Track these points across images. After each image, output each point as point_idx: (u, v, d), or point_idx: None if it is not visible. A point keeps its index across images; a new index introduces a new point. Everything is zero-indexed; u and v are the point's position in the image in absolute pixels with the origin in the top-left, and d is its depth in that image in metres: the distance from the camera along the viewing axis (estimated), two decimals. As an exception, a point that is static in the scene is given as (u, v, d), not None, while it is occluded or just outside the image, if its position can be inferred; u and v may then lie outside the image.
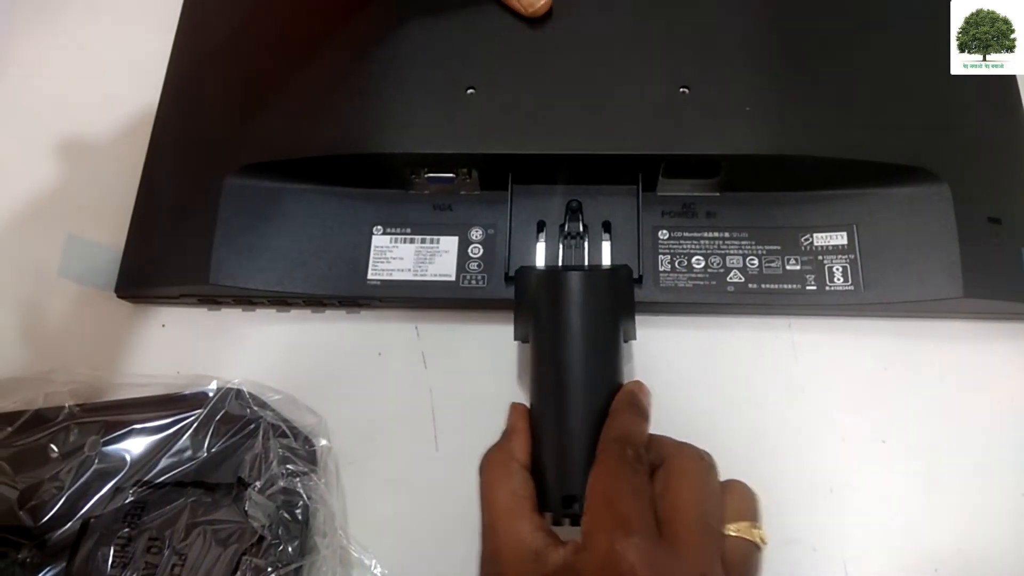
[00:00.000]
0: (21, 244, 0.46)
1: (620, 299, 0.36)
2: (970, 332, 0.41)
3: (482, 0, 0.43)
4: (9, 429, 0.38)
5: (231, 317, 0.44)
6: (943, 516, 0.38)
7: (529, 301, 0.36)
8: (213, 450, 0.38)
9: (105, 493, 0.36)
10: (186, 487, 0.37)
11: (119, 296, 0.43)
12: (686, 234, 0.41)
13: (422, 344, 0.42)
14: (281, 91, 0.44)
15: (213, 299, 0.43)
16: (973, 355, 0.41)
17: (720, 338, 0.41)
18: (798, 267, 0.40)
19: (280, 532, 0.36)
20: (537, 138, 0.40)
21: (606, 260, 0.41)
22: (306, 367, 0.42)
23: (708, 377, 0.41)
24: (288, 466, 0.37)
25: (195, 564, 0.34)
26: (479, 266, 0.41)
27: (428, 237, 0.42)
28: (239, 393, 0.39)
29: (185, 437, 0.38)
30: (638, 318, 0.36)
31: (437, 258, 0.41)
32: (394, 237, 0.42)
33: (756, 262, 0.40)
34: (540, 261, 0.41)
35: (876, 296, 0.39)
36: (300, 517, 0.36)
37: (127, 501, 0.36)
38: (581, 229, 0.41)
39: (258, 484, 0.36)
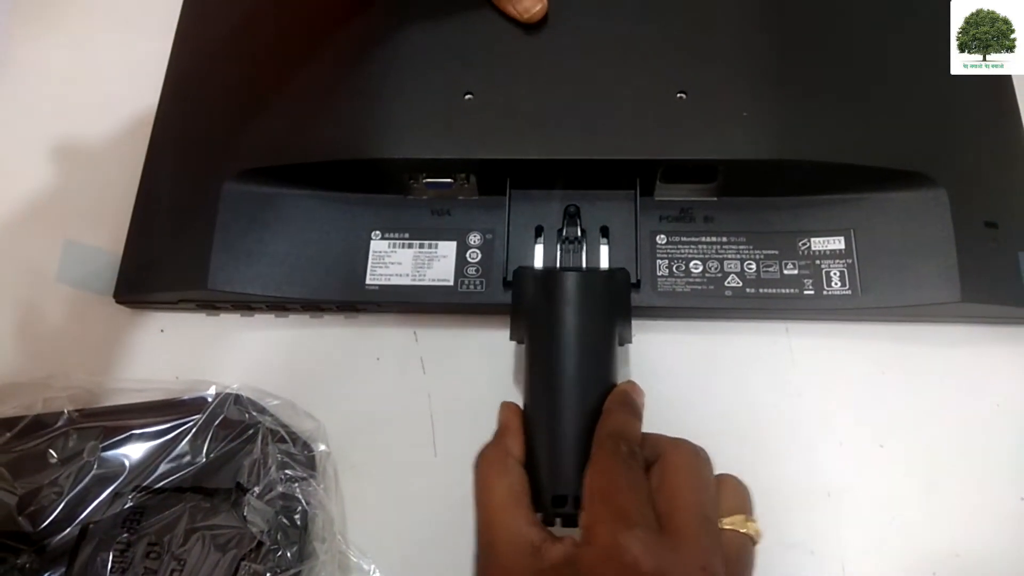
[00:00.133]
0: (19, 248, 0.46)
1: (616, 301, 0.36)
2: (967, 336, 0.41)
3: (479, 6, 0.44)
4: (8, 434, 0.38)
5: (230, 322, 0.44)
6: (941, 520, 0.38)
7: (526, 302, 0.36)
8: (212, 455, 0.38)
9: (104, 498, 0.37)
10: (185, 492, 0.37)
11: (117, 301, 0.43)
12: (684, 239, 0.41)
13: (420, 349, 0.42)
14: (280, 96, 0.44)
15: (212, 304, 0.43)
16: (970, 359, 0.41)
17: (718, 343, 0.41)
18: (796, 271, 0.40)
19: (279, 537, 0.36)
20: (535, 143, 0.40)
21: (604, 265, 0.41)
22: (305, 372, 0.42)
23: (706, 381, 0.41)
24: (287, 471, 0.37)
25: (194, 569, 0.34)
26: (477, 271, 0.41)
27: (426, 242, 0.42)
28: (238, 398, 0.39)
29: (184, 442, 0.38)
30: (636, 323, 0.37)
31: (435, 263, 0.41)
32: (392, 242, 0.42)
33: (754, 266, 0.40)
34: (538, 266, 0.41)
35: (873, 300, 0.39)
36: (299, 522, 0.36)
37: (126, 506, 0.36)
38: (579, 234, 0.41)
39: (257, 489, 0.36)
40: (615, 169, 0.41)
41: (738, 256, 0.41)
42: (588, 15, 0.44)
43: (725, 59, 0.42)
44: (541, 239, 0.41)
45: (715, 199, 0.42)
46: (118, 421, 0.39)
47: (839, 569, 0.37)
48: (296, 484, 0.37)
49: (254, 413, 0.39)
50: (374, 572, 0.37)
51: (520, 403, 0.34)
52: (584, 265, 0.41)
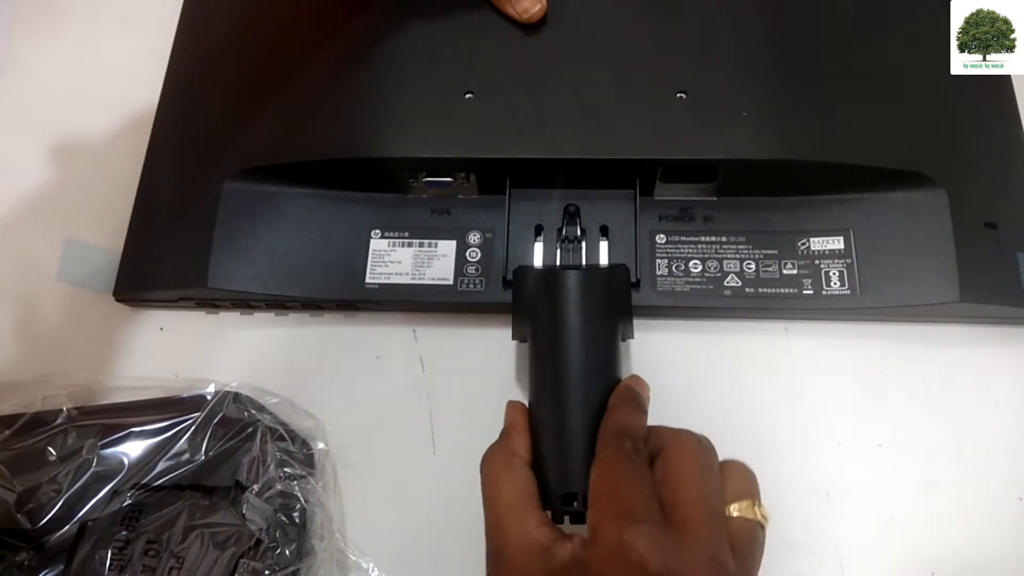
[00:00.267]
0: (19, 246, 0.46)
1: (617, 298, 0.36)
2: (966, 336, 0.41)
3: (478, 6, 0.44)
4: (7, 432, 0.38)
5: (229, 320, 0.44)
6: (940, 520, 0.38)
7: (527, 300, 0.36)
8: (211, 453, 0.38)
9: (103, 496, 0.37)
10: (184, 490, 0.37)
11: (117, 299, 0.43)
12: (683, 238, 0.41)
13: (420, 348, 0.42)
14: (280, 95, 0.44)
15: (211, 302, 0.43)
16: (969, 359, 0.41)
17: (717, 342, 0.42)
18: (795, 271, 0.40)
19: (277, 535, 0.36)
20: (535, 143, 0.40)
21: (604, 264, 0.41)
22: (304, 370, 0.42)
23: (705, 381, 0.41)
24: (286, 469, 0.37)
25: (192, 567, 0.34)
26: (477, 270, 0.41)
27: (426, 241, 0.42)
28: (237, 396, 0.39)
29: (183, 440, 0.38)
30: (636, 322, 0.37)
31: (435, 262, 0.41)
32: (392, 241, 0.42)
33: (753, 266, 0.40)
34: (538, 265, 0.41)
35: (873, 300, 0.39)
36: (297, 520, 0.36)
37: (125, 504, 0.36)
38: (579, 233, 0.41)
39: (256, 487, 0.36)
40: (615, 169, 0.41)
41: (737, 256, 0.41)
42: (588, 15, 0.44)
43: (725, 59, 0.42)
44: (541, 238, 0.41)
45: (715, 199, 0.42)
46: (117, 419, 0.39)
47: (838, 568, 0.37)
48: (295, 482, 0.37)
49: (253, 411, 0.39)
50: (372, 570, 0.37)
51: (523, 401, 0.35)
52: (584, 265, 0.41)
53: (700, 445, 0.30)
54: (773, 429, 0.40)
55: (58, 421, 0.38)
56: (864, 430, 0.40)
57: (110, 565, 0.35)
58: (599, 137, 0.40)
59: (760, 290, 0.40)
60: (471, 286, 0.41)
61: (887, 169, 0.40)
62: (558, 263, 0.41)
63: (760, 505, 0.29)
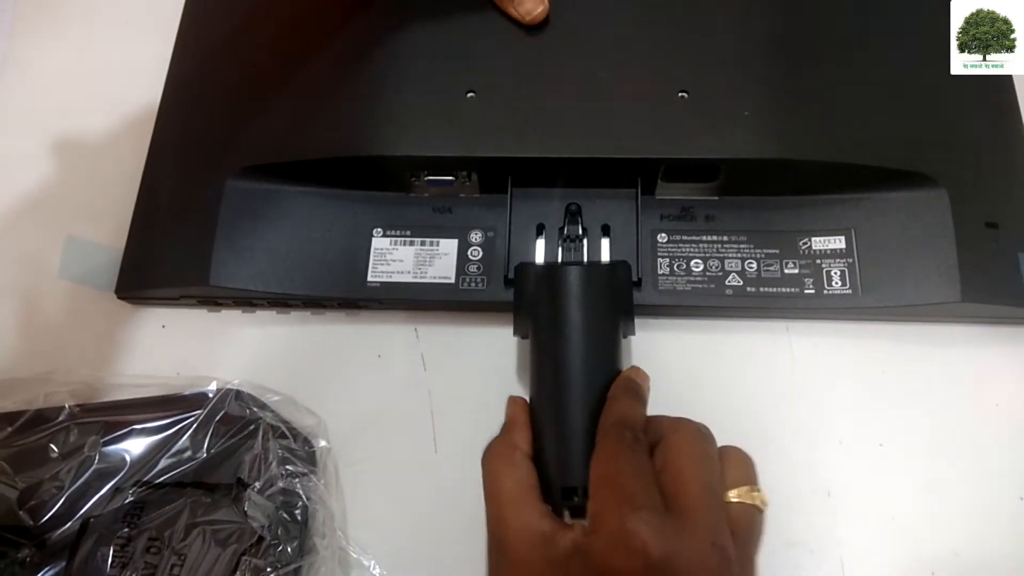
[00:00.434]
0: (21, 244, 0.46)
1: (618, 294, 0.36)
2: (967, 336, 0.41)
3: (480, 7, 0.44)
4: (9, 429, 0.38)
5: (231, 318, 0.44)
6: (941, 519, 0.38)
7: (528, 297, 0.36)
8: (212, 451, 0.38)
9: (105, 493, 0.37)
10: (185, 487, 0.37)
11: (119, 297, 0.43)
12: (685, 237, 0.41)
13: (421, 346, 0.42)
14: (282, 93, 0.44)
15: (213, 300, 0.43)
16: (970, 359, 0.41)
17: (718, 341, 0.42)
18: (796, 271, 0.40)
19: (279, 533, 0.36)
20: (536, 142, 0.40)
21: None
22: (306, 368, 0.42)
23: (706, 380, 0.41)
24: (287, 467, 0.37)
25: (194, 564, 0.35)
26: (479, 268, 0.41)
27: (428, 239, 0.42)
28: (239, 394, 0.39)
29: (185, 438, 0.38)
30: (637, 321, 0.37)
31: (437, 260, 0.41)
32: (394, 239, 0.42)
33: (754, 265, 0.40)
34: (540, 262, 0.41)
35: (874, 300, 0.39)
36: (299, 518, 0.36)
37: (127, 501, 0.36)
38: (580, 232, 0.41)
39: (257, 485, 0.36)
40: (616, 168, 0.41)
41: (739, 255, 0.41)
42: (590, 15, 0.44)
43: (726, 59, 0.42)
44: (542, 237, 0.41)
45: (716, 198, 0.42)
46: (119, 416, 0.39)
47: (838, 568, 0.37)
48: (297, 480, 0.37)
49: (255, 409, 0.39)
50: (374, 568, 0.37)
51: (524, 397, 0.35)
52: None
53: (699, 433, 0.30)
54: (774, 428, 0.40)
55: (60, 418, 0.38)
56: (865, 429, 0.40)
57: (112, 562, 0.35)
58: (601, 136, 0.40)
59: (761, 289, 0.40)
60: (472, 285, 0.41)
61: (888, 169, 0.40)
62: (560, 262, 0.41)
63: (758, 490, 0.30)
